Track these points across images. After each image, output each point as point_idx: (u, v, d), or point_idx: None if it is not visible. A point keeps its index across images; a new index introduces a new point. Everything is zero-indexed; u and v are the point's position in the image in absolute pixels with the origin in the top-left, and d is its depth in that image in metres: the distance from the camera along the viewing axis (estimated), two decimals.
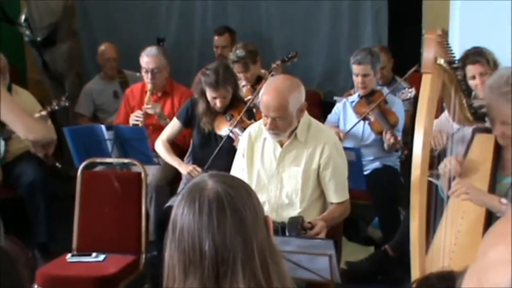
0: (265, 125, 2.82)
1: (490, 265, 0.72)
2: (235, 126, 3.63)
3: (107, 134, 3.72)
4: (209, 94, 3.64)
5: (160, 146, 3.81)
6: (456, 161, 2.49)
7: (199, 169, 3.62)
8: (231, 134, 3.65)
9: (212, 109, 3.69)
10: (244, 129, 3.57)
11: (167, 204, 3.55)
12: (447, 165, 2.45)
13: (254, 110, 4.30)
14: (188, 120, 3.81)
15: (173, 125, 3.88)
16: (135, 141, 3.76)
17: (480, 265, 0.73)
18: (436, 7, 4.99)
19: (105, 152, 3.71)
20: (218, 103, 3.63)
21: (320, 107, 5.28)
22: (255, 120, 3.68)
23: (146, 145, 3.75)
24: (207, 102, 3.67)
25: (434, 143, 3.10)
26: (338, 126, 4.09)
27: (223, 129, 3.69)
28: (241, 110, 3.70)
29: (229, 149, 3.55)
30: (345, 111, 4.15)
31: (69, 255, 3.26)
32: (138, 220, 3.30)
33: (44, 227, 4.01)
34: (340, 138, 3.90)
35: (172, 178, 4.01)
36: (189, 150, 3.95)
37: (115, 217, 3.31)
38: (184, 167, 3.70)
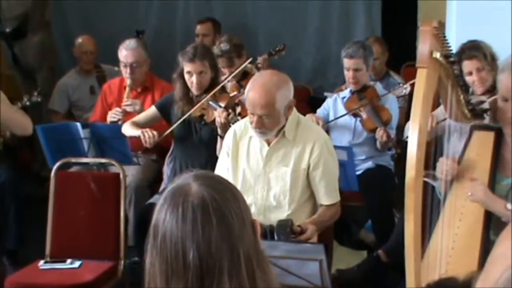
0: (251, 123, 2.81)
1: (496, 258, 0.76)
2: (210, 101, 3.60)
3: (83, 133, 3.69)
4: (186, 70, 3.63)
5: (125, 125, 3.79)
6: (453, 162, 2.50)
7: (154, 132, 3.61)
8: (202, 111, 3.61)
9: (189, 93, 3.68)
10: (219, 103, 3.55)
11: (149, 201, 3.54)
12: (443, 166, 2.46)
13: (240, 107, 4.30)
14: (166, 109, 3.79)
15: (148, 111, 3.87)
16: (113, 139, 3.74)
17: (489, 258, 0.77)
18: None
19: (80, 152, 3.68)
20: (194, 80, 3.60)
21: (310, 104, 5.28)
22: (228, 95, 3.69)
23: (124, 144, 3.73)
24: (185, 84, 3.67)
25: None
26: (328, 123, 4.10)
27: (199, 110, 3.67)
28: (219, 92, 3.67)
29: (209, 139, 3.55)
30: (335, 107, 4.16)
31: (41, 262, 3.23)
32: (117, 223, 3.29)
33: (14, 232, 3.97)
34: None
35: (153, 179, 3.99)
36: (171, 148, 3.94)
37: (92, 220, 3.29)
38: (139, 130, 3.67)
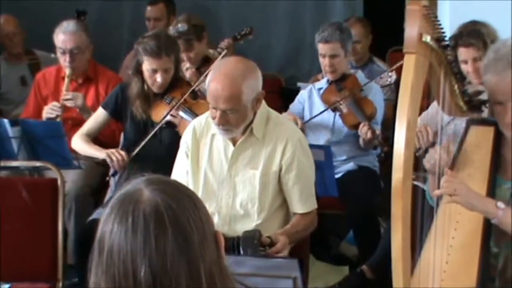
0: (213, 118, 2.81)
1: None
2: (177, 108, 3.59)
3: (12, 131, 3.65)
4: (148, 66, 3.59)
5: (77, 139, 3.76)
6: (445, 150, 2.50)
7: (122, 152, 3.59)
8: (171, 118, 3.61)
9: (148, 91, 3.67)
10: (190, 111, 3.54)
11: (91, 218, 3.51)
12: (434, 157, 2.47)
13: (199, 99, 4.28)
14: (118, 110, 3.77)
15: (97, 116, 3.84)
16: (49, 139, 3.70)
17: None
18: None
19: (9, 153, 3.65)
20: (158, 78, 3.59)
21: (281, 96, 5.31)
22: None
23: (63, 145, 3.70)
24: (143, 81, 3.65)
25: (418, 141, 3.13)
26: (303, 118, 4.12)
27: (163, 116, 3.65)
28: (185, 91, 3.68)
29: (170, 141, 3.53)
30: (311, 100, 4.18)
31: None
32: (53, 238, 3.25)
33: None
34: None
35: (97, 186, 3.96)
36: (119, 148, 3.90)
37: (23, 235, 3.25)
38: (103, 151, 3.65)
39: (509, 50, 2.39)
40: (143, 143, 3.60)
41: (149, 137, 3.60)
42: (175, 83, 3.70)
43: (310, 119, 4.07)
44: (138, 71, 3.65)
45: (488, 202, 2.38)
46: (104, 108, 3.82)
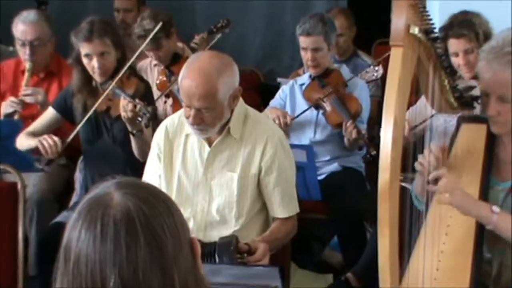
0: (187, 117, 2.80)
1: None
2: (116, 88, 3.53)
3: None
4: (83, 52, 3.58)
5: (20, 137, 3.70)
6: (437, 149, 2.49)
7: (55, 138, 3.55)
8: (109, 103, 3.56)
9: (91, 83, 3.65)
10: (125, 91, 3.50)
11: (55, 220, 3.49)
12: (425, 158, 2.47)
13: (171, 100, 4.27)
14: (68, 109, 3.73)
15: (45, 114, 3.82)
16: (8, 139, 3.67)
17: None
18: None
19: None
20: (95, 64, 3.56)
21: (259, 93, 5.31)
22: (140, 79, 3.65)
23: None
24: (84, 71, 3.63)
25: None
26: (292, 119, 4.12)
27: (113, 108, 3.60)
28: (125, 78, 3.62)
29: (124, 137, 3.52)
30: (293, 97, 4.19)
31: None
32: (13, 247, 3.23)
33: None
34: (286, 125, 3.93)
35: (61, 190, 3.94)
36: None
37: None
38: (35, 139, 3.60)
39: (508, 42, 2.40)
40: (77, 129, 3.57)
41: (84, 120, 3.57)
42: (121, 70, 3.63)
43: (294, 118, 4.07)
44: (78, 61, 3.64)
45: (483, 206, 2.38)
46: (53, 106, 3.81)
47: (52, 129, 3.78)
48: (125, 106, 3.36)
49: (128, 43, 4.20)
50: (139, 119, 3.31)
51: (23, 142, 3.68)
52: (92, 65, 3.57)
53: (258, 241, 2.77)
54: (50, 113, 3.80)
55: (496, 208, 2.35)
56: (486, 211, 2.36)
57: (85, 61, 3.59)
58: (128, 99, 3.38)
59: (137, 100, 3.36)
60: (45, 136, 3.57)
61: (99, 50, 3.57)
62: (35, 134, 3.72)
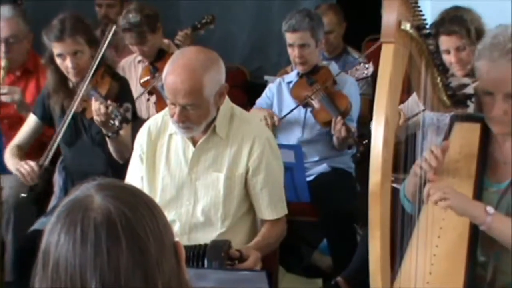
0: (171, 116, 2.80)
1: None
2: (91, 89, 3.49)
3: None
4: (56, 52, 3.56)
5: (7, 154, 3.68)
6: (439, 151, 2.48)
7: (31, 163, 3.52)
8: (84, 104, 3.53)
9: (67, 83, 3.63)
10: (99, 92, 3.48)
11: (33, 228, 3.47)
12: (427, 160, 2.46)
13: (155, 97, 4.26)
14: (47, 114, 3.72)
15: (27, 123, 3.79)
16: None
17: None
18: None
19: None
20: (68, 64, 3.54)
21: (246, 91, 5.31)
22: (114, 78, 3.61)
23: None
24: (58, 71, 3.61)
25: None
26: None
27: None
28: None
29: (103, 138, 3.50)
30: (280, 95, 4.19)
31: None
32: None
33: None
34: (273, 125, 3.93)
35: (40, 193, 3.92)
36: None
37: None
38: (14, 166, 3.58)
39: (509, 38, 2.41)
40: (58, 137, 3.53)
41: (63, 127, 3.52)
42: (98, 69, 3.59)
43: (281, 119, 4.07)
44: (51, 61, 3.61)
45: (477, 206, 2.38)
46: (33, 113, 3.78)
47: (36, 137, 3.78)
48: (97, 110, 3.32)
49: (115, 40, 4.18)
50: (111, 121, 3.28)
51: (8, 162, 3.66)
52: (66, 65, 3.55)
53: (250, 248, 2.77)
54: (31, 120, 3.77)
55: (490, 209, 2.34)
56: (479, 211, 2.36)
57: (58, 61, 3.57)
58: (100, 100, 3.35)
59: (109, 102, 3.33)
60: (22, 163, 3.53)
61: (72, 50, 3.54)
62: (21, 146, 3.70)
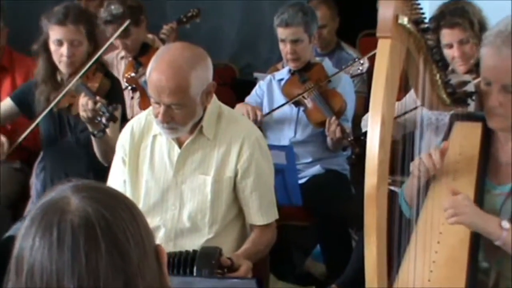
0: (155, 116, 2.79)
1: None
2: (81, 84, 3.50)
3: None
4: (53, 37, 3.56)
5: None
6: (438, 154, 2.49)
7: (2, 138, 3.54)
8: (72, 100, 3.53)
9: (55, 75, 3.62)
10: (88, 88, 3.47)
11: (7, 234, 3.45)
12: (425, 163, 2.46)
13: (139, 94, 4.25)
14: (26, 102, 3.71)
15: (2, 103, 3.81)
16: None
17: None
18: None
19: None
20: (64, 52, 3.54)
21: (234, 89, 5.31)
22: (106, 76, 3.62)
23: None
24: (50, 60, 3.60)
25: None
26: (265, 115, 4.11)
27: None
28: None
29: (88, 138, 3.50)
30: (270, 93, 4.19)
31: None
32: None
33: None
34: (255, 122, 3.92)
35: (16, 197, 3.92)
36: (41, 152, 3.86)
37: None
38: None
39: None
40: (31, 127, 3.56)
41: (41, 116, 3.55)
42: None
43: (268, 113, 4.07)
44: (45, 47, 3.61)
45: (491, 221, 2.38)
46: (11, 97, 3.80)
47: (7, 120, 3.77)
48: (84, 105, 3.33)
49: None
50: (98, 118, 3.28)
51: None
52: (61, 52, 3.55)
53: (240, 255, 2.76)
54: (7, 104, 3.79)
55: (505, 224, 2.35)
56: (494, 226, 2.36)
57: (53, 47, 3.57)
58: (88, 96, 3.35)
59: (98, 98, 3.33)
60: None
61: (72, 37, 3.56)
62: None
